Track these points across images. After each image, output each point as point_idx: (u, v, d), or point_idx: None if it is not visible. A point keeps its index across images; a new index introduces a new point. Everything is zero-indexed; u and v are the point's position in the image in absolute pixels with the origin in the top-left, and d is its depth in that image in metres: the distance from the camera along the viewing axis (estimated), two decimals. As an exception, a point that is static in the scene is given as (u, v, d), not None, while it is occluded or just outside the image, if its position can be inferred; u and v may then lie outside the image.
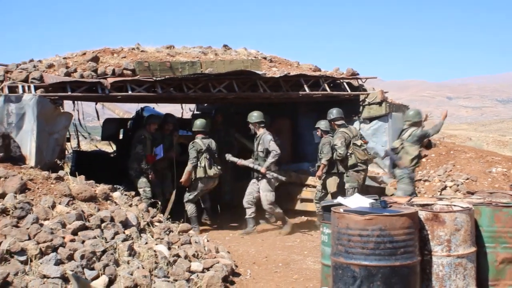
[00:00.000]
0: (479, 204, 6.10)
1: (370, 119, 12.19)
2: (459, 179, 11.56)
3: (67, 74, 9.88)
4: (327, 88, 11.78)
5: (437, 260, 5.60)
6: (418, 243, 5.48)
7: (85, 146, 16.50)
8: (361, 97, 12.26)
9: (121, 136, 14.23)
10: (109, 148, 16.63)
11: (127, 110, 17.84)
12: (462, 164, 12.27)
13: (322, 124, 10.62)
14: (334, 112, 10.49)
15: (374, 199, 6.05)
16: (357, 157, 10.23)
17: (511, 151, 25.34)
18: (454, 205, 6.06)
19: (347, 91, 12.09)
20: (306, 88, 11.50)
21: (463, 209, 5.76)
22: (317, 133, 10.77)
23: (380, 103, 12.07)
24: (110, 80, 10.02)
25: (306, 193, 11.80)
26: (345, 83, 12.20)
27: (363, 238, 5.25)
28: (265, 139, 10.17)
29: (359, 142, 10.31)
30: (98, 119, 14.15)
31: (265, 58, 12.48)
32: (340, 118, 10.48)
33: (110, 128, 14.02)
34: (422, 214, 5.62)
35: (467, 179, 11.63)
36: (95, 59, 10.44)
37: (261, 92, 11.12)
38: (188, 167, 10.35)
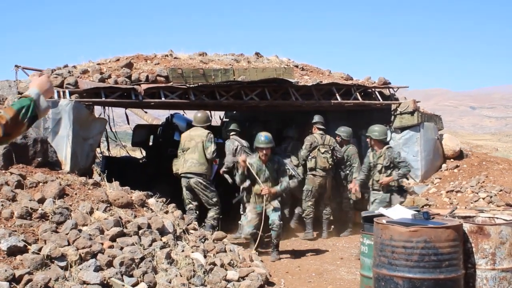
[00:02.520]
0: (522, 217, 6.01)
1: (402, 129, 12.09)
2: (492, 191, 11.37)
3: (102, 80, 9.94)
4: (359, 97, 11.72)
5: (481, 273, 5.52)
6: (462, 256, 5.41)
7: (113, 151, 16.57)
8: (393, 106, 12.16)
9: (150, 143, 14.26)
10: (138, 153, 16.67)
11: (156, 116, 17.90)
12: (495, 176, 12.09)
13: (342, 131, 10.82)
14: (316, 117, 11.00)
15: (416, 210, 5.98)
16: (317, 162, 10.73)
17: (539, 162, 24.96)
18: (497, 218, 5.97)
19: (379, 100, 12.01)
20: (338, 97, 11.46)
21: (508, 222, 5.67)
22: (337, 138, 11.09)
23: (412, 113, 11.96)
24: (144, 86, 10.06)
25: None
26: (376, 92, 12.13)
27: (407, 250, 5.19)
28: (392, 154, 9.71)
29: (323, 149, 10.72)
30: (128, 124, 14.22)
31: (296, 66, 12.44)
32: (321, 124, 10.94)
33: (141, 134, 14.08)
34: (466, 227, 5.55)
35: (501, 190, 11.45)
36: (129, 65, 10.50)
37: (293, 100, 11.10)
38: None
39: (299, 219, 11.21)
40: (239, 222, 9.96)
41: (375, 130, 9.58)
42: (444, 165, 12.53)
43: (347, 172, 11.15)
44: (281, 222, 9.07)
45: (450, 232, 5.22)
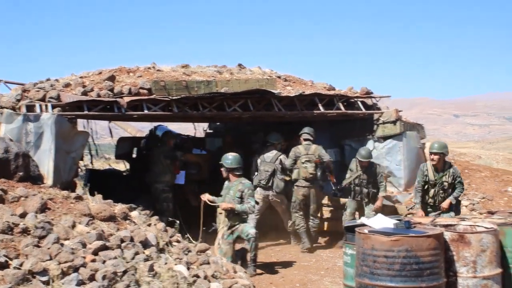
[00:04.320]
0: (503, 224, 6.07)
1: (385, 138, 12.16)
2: (475, 198, 11.49)
3: (84, 93, 9.91)
4: (342, 107, 11.77)
5: (463, 281, 5.58)
6: (444, 264, 5.45)
7: (97, 164, 16.50)
8: (375, 116, 12.24)
9: (134, 155, 14.23)
10: (122, 166, 16.63)
11: (139, 129, 17.88)
12: (477, 183, 12.21)
13: (361, 155, 10.65)
14: (304, 129, 11.09)
15: (397, 220, 6.02)
16: (299, 173, 10.78)
17: (522, 170, 25.19)
18: (478, 226, 6.03)
19: (361, 110, 12.08)
20: (321, 107, 11.50)
21: (488, 229, 5.73)
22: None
23: (394, 122, 12.04)
24: (127, 99, 10.03)
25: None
26: (359, 102, 12.20)
27: (389, 259, 5.22)
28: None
29: (303, 159, 10.78)
30: (112, 136, 14.19)
31: (279, 77, 12.49)
32: (307, 134, 10.98)
33: (124, 147, 14.04)
34: (447, 235, 5.60)
35: (483, 198, 11.57)
36: (112, 78, 10.48)
37: (276, 111, 11.13)
38: None
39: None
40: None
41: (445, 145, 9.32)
42: (427, 174, 12.59)
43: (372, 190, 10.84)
44: (257, 231, 9.01)
45: (431, 241, 5.26)
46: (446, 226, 6.06)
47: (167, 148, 11.58)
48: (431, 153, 9.19)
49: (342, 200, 11.34)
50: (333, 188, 11.18)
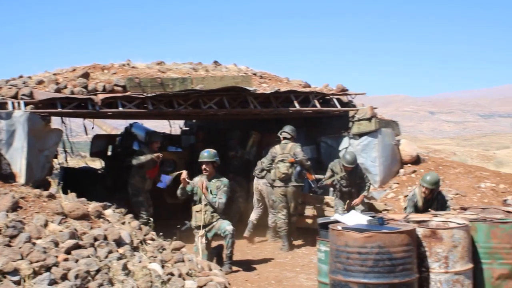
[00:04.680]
0: (475, 220, 6.13)
1: (360, 135, 12.20)
2: (449, 195, 11.57)
3: (58, 90, 9.80)
4: (317, 104, 11.79)
5: (435, 277, 5.62)
6: (416, 260, 5.49)
7: (72, 162, 16.34)
8: (351, 113, 12.29)
9: (109, 153, 14.13)
10: (97, 164, 16.50)
11: (115, 126, 17.73)
12: (451, 180, 12.31)
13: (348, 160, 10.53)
14: (285, 128, 10.96)
15: (371, 216, 6.05)
16: (275, 173, 10.72)
17: (495, 166, 25.56)
18: (450, 222, 6.08)
19: (337, 107, 12.12)
20: (296, 104, 11.50)
21: (460, 225, 5.78)
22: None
23: (369, 119, 12.09)
24: (101, 96, 9.95)
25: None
26: (334, 99, 12.23)
27: (362, 255, 5.25)
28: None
29: (278, 159, 10.69)
30: (86, 134, 14.06)
31: (255, 74, 12.48)
32: (286, 133, 10.85)
33: (99, 144, 13.93)
34: (420, 231, 5.64)
35: (457, 194, 11.67)
36: (85, 75, 10.38)
37: (251, 108, 11.10)
38: None
39: (253, 228, 11.20)
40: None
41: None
42: (401, 170, 12.69)
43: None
44: (234, 228, 8.95)
45: (404, 237, 5.30)
46: (419, 222, 6.11)
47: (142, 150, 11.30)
48: (422, 186, 9.04)
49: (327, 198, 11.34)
50: (312, 185, 11.16)
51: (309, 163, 10.78)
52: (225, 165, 11.31)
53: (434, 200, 9.03)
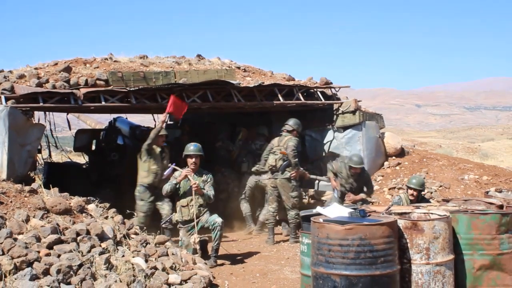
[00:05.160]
0: (456, 211, 6.17)
1: (344, 128, 12.25)
2: (433, 187, 11.66)
3: (39, 84, 9.73)
4: (301, 97, 11.81)
5: (416, 268, 5.64)
6: (398, 251, 5.51)
7: (56, 157, 16.26)
8: (335, 106, 12.32)
9: (93, 147, 14.05)
10: (81, 159, 16.42)
11: (99, 121, 17.65)
12: (435, 172, 12.39)
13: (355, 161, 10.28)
14: (288, 120, 10.84)
15: (353, 208, 6.06)
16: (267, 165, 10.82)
17: (480, 158, 25.76)
18: (432, 213, 6.11)
19: (321, 100, 12.14)
20: (280, 98, 11.51)
21: (441, 217, 5.81)
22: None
23: (353, 112, 12.14)
24: (83, 90, 9.89)
25: None
26: (318, 92, 12.25)
27: (343, 247, 5.25)
28: None
29: (272, 151, 10.71)
30: (70, 129, 13.97)
31: (238, 68, 12.46)
32: (288, 126, 10.74)
33: (83, 139, 13.84)
34: (401, 223, 5.66)
35: (440, 186, 11.75)
36: (67, 69, 10.31)
37: (235, 102, 11.09)
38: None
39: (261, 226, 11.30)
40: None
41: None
42: (386, 163, 12.76)
43: None
44: (223, 221, 8.91)
45: (385, 229, 5.31)
46: (400, 214, 6.13)
47: None
48: (409, 188, 9.07)
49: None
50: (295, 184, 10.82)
51: (296, 159, 10.53)
52: (211, 157, 11.34)
53: (419, 203, 9.05)
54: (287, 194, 10.61)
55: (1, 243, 6.06)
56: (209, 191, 8.86)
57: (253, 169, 11.40)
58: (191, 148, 8.92)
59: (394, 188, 11.73)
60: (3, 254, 5.95)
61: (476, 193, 11.30)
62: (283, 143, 10.59)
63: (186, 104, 10.11)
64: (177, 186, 8.84)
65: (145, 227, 9.10)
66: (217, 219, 8.78)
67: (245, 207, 11.67)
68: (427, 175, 12.18)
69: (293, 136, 10.64)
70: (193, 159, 8.87)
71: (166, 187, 8.87)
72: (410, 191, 9.01)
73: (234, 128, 13.58)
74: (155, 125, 15.45)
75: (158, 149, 9.96)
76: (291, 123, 10.77)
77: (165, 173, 9.36)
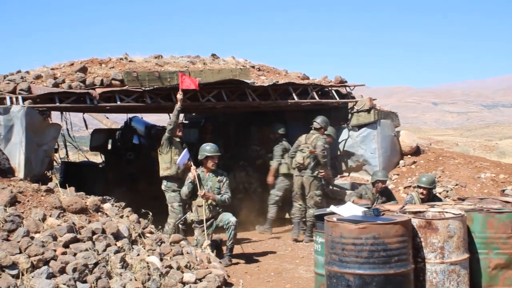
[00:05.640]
0: (471, 210, 6.14)
1: (359, 127, 12.23)
2: (448, 185, 11.60)
3: (55, 85, 9.82)
4: (316, 96, 11.80)
5: (431, 267, 5.63)
6: (412, 250, 5.50)
7: (73, 156, 16.39)
8: (350, 105, 12.30)
9: (109, 147, 14.16)
10: (97, 158, 16.54)
11: (115, 120, 17.78)
12: (451, 170, 12.32)
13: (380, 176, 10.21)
14: (316, 118, 10.83)
15: (366, 207, 6.06)
16: (294, 162, 10.74)
17: (498, 156, 25.54)
18: (446, 212, 6.09)
19: (336, 99, 12.13)
20: (295, 97, 11.52)
21: (455, 216, 5.79)
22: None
23: (368, 111, 12.10)
24: (99, 90, 9.97)
25: None
26: (333, 91, 12.24)
27: (357, 246, 5.26)
28: None
29: (300, 148, 10.68)
30: (87, 128, 14.10)
31: (253, 67, 12.48)
32: (316, 123, 10.74)
33: (99, 139, 13.96)
34: (415, 222, 5.65)
35: (456, 185, 11.68)
36: (83, 69, 10.39)
37: (250, 101, 11.11)
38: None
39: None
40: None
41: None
42: (401, 162, 12.71)
43: None
44: (237, 220, 8.95)
45: (399, 228, 5.30)
46: (414, 213, 6.12)
47: None
48: (419, 187, 9.07)
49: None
50: (323, 183, 10.82)
51: (325, 159, 10.54)
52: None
53: (431, 201, 9.02)
54: (312, 192, 10.57)
55: (19, 242, 6.14)
56: (225, 194, 8.91)
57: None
58: (210, 149, 8.96)
59: (410, 187, 11.68)
60: (21, 252, 6.02)
61: (492, 192, 11.21)
62: (311, 141, 10.60)
63: (195, 78, 10.11)
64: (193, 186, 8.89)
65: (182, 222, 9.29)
66: (231, 218, 8.81)
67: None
68: (443, 173, 12.12)
69: (320, 134, 10.66)
70: (215, 160, 8.96)
71: (184, 190, 8.92)
72: (420, 190, 8.99)
73: (249, 128, 13.61)
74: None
75: (177, 139, 9.88)
76: (319, 120, 10.75)
77: (179, 160, 9.42)
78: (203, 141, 11.17)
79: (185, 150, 9.44)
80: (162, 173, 9.73)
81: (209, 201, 8.82)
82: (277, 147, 11.39)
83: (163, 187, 9.78)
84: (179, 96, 9.62)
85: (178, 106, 9.58)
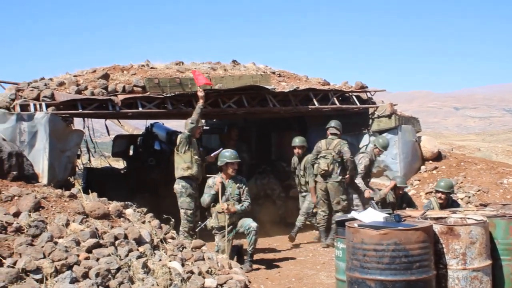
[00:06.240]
0: (493, 216, 6.10)
1: (380, 132, 12.20)
2: (470, 191, 11.53)
3: (78, 91, 9.95)
4: (336, 102, 11.81)
5: (453, 273, 5.59)
6: (433, 257, 5.48)
7: (95, 162, 16.55)
8: (370, 110, 12.28)
9: (131, 153, 14.28)
10: (119, 164, 16.68)
11: (137, 126, 17.91)
12: (473, 176, 12.24)
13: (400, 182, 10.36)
14: (330, 122, 10.80)
15: (388, 213, 6.05)
16: (316, 168, 10.63)
17: (521, 161, 25.21)
18: (468, 218, 6.05)
19: (356, 104, 12.11)
20: (315, 102, 11.53)
21: (477, 222, 5.75)
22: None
23: (389, 116, 12.09)
24: (121, 97, 10.08)
25: None
26: (354, 96, 12.23)
27: (378, 252, 5.25)
28: None
29: (321, 154, 10.56)
30: (109, 134, 14.23)
31: (274, 73, 12.53)
32: (334, 128, 10.70)
33: (121, 145, 14.10)
34: (437, 228, 5.62)
35: (479, 190, 11.60)
36: (105, 76, 10.52)
37: (270, 106, 11.16)
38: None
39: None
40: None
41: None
42: (423, 167, 12.66)
43: None
44: (258, 225, 8.93)
45: (420, 234, 5.28)
46: (436, 219, 6.09)
47: None
48: (437, 191, 9.05)
49: None
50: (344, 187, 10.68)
51: (353, 164, 10.48)
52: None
53: (449, 206, 8.98)
54: (338, 197, 10.52)
55: (43, 247, 6.20)
56: (245, 201, 8.93)
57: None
58: (230, 155, 8.94)
59: (431, 192, 11.61)
60: (44, 257, 6.08)
61: (516, 198, 11.14)
62: (333, 147, 10.52)
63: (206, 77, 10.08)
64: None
65: (196, 229, 9.16)
66: (252, 223, 8.81)
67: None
68: (465, 179, 12.05)
69: (339, 138, 10.64)
70: (235, 166, 8.95)
71: (206, 199, 8.91)
72: (438, 194, 8.96)
73: (269, 134, 13.62)
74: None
75: (194, 140, 9.67)
76: (337, 125, 10.71)
77: (212, 154, 9.51)
78: (227, 147, 11.19)
79: (219, 150, 9.36)
80: (182, 173, 9.38)
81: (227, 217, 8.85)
82: (308, 164, 10.90)
83: (177, 189, 9.43)
84: (200, 93, 9.43)
85: (200, 104, 9.38)
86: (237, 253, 8.98)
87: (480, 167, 12.69)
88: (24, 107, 9.36)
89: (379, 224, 5.55)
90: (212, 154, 9.59)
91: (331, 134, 10.67)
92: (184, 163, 9.39)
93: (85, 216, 7.17)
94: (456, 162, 12.89)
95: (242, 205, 8.87)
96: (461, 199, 11.23)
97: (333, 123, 10.75)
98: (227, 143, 12.45)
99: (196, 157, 9.44)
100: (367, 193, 10.26)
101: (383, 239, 5.22)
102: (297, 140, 10.84)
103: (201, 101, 9.41)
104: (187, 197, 9.37)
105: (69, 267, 6.04)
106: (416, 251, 5.24)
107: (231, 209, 8.78)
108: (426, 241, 5.32)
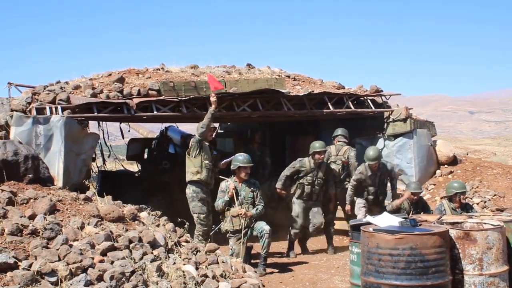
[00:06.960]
0: (510, 221, 6.04)
1: (395, 136, 12.13)
2: (486, 196, 11.42)
3: (94, 95, 9.99)
4: (351, 106, 11.77)
5: (469, 279, 5.56)
6: (449, 262, 5.44)
7: (110, 165, 16.60)
8: (385, 114, 12.23)
9: (145, 156, 14.31)
10: (134, 167, 16.72)
11: (151, 130, 17.96)
12: (489, 180, 12.13)
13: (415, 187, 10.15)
14: (338, 130, 10.99)
15: (403, 218, 6.01)
16: None
17: (537, 166, 24.97)
18: (485, 223, 6.00)
19: (371, 108, 12.07)
20: (330, 106, 11.51)
21: (494, 227, 5.70)
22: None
23: (404, 120, 12.01)
24: (136, 100, 10.11)
25: None
26: (369, 100, 12.18)
27: (393, 257, 5.22)
28: None
29: (331, 160, 10.65)
30: (123, 138, 14.28)
31: (288, 77, 12.50)
32: (342, 136, 10.90)
33: (135, 148, 14.14)
34: (453, 233, 5.58)
35: (495, 195, 11.50)
36: (121, 80, 10.55)
37: (285, 110, 11.15)
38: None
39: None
40: None
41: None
42: (438, 171, 12.57)
43: None
44: (271, 228, 8.93)
45: (436, 239, 5.25)
46: (452, 223, 6.05)
47: None
48: (456, 194, 8.96)
49: None
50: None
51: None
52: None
53: (462, 210, 8.93)
54: (336, 202, 10.65)
55: (58, 250, 6.23)
56: (259, 205, 8.99)
57: None
58: (243, 159, 9.01)
59: (446, 197, 11.51)
60: (59, 260, 6.11)
61: (532, 203, 11.01)
62: (343, 153, 10.68)
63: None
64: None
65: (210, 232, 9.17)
66: (265, 226, 8.82)
67: None
68: (480, 183, 11.94)
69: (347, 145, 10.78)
70: (248, 170, 9.01)
71: (220, 205, 8.97)
72: (456, 197, 8.93)
73: (283, 137, 13.57)
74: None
75: (206, 143, 9.54)
76: (344, 132, 10.90)
77: (224, 161, 9.55)
78: (250, 151, 11.16)
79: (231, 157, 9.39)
80: (191, 177, 9.29)
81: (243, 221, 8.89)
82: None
83: (189, 193, 9.33)
84: (213, 99, 9.47)
85: (212, 109, 9.39)
86: (248, 254, 9.01)
87: (496, 171, 12.58)
88: (40, 110, 9.42)
89: (394, 229, 5.52)
90: (224, 161, 9.63)
91: (339, 141, 10.85)
92: (194, 167, 9.32)
93: (100, 219, 7.21)
94: (471, 167, 12.79)
95: (257, 209, 8.92)
96: (477, 203, 11.13)
97: (340, 131, 10.91)
98: (251, 146, 12.46)
99: (207, 162, 9.32)
100: (347, 207, 10.32)
101: (399, 243, 5.19)
102: (317, 145, 10.07)
103: (213, 106, 9.44)
104: (198, 201, 9.27)
105: (84, 270, 6.07)
106: (432, 256, 5.21)
107: (248, 214, 8.81)
108: (442, 246, 5.28)
